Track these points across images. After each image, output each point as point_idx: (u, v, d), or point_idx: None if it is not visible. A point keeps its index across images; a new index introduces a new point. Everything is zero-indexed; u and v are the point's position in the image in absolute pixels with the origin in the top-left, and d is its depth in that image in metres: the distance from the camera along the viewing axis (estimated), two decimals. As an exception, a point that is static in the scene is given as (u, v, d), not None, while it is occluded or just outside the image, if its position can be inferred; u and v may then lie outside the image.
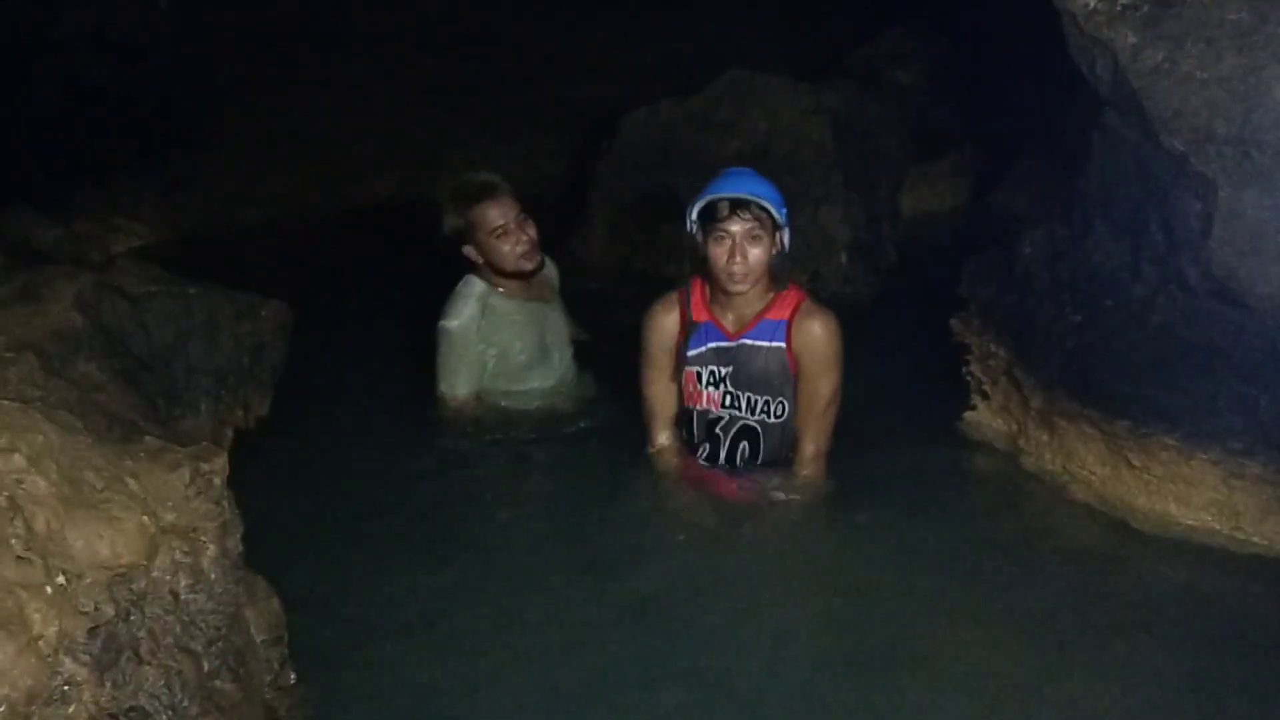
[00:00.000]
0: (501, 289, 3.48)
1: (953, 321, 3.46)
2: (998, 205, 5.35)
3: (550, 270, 3.67)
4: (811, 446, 3.01)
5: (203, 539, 1.91)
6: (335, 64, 6.79)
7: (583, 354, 3.72)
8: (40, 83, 5.57)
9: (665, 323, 3.07)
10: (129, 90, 5.85)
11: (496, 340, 3.48)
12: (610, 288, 4.62)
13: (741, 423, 3.03)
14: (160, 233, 5.71)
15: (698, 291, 3.06)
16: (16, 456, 1.71)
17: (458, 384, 3.46)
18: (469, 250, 3.44)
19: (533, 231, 3.43)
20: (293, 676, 2.19)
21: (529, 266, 3.46)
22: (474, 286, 3.47)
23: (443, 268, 3.52)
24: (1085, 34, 2.96)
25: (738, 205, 2.86)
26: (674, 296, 3.09)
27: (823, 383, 2.96)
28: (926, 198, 6.05)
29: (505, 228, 3.38)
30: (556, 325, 3.64)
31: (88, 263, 4.05)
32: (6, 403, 1.86)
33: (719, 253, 2.89)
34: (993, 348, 3.30)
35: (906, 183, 5.87)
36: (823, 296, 4.65)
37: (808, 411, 2.99)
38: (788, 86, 5.31)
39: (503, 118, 6.85)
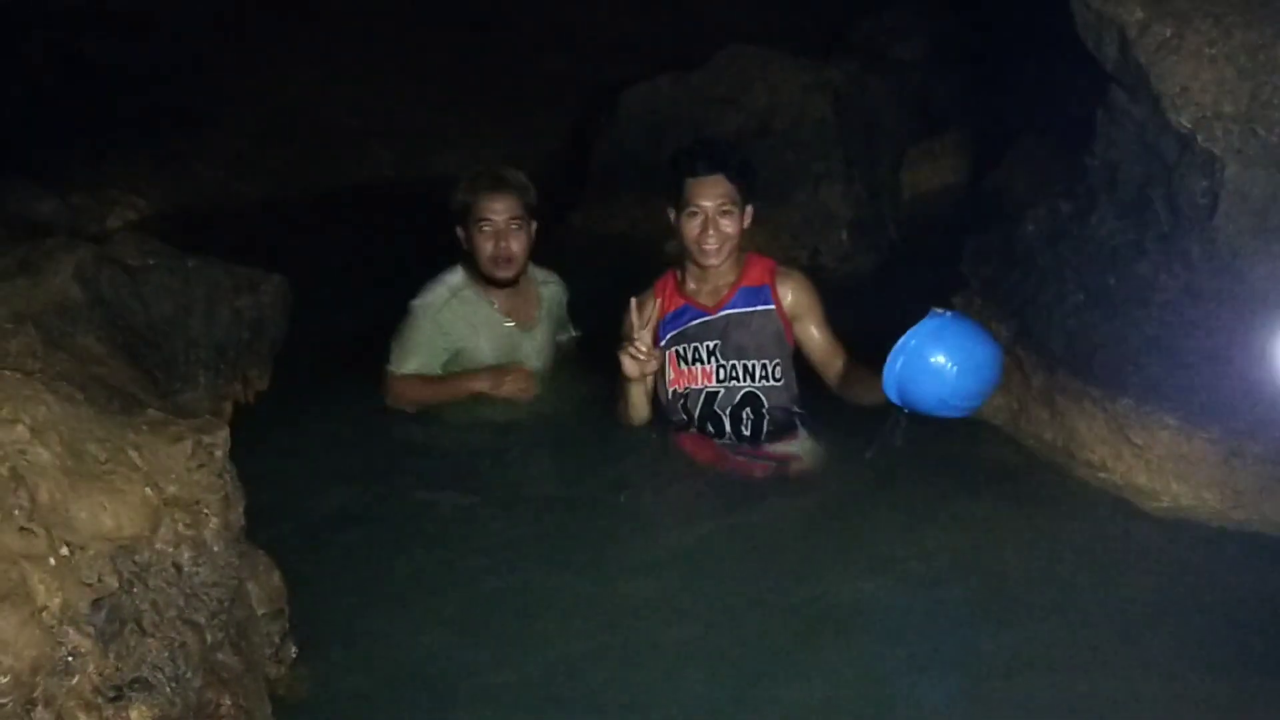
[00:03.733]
0: (479, 287, 3.43)
1: (954, 300, 3.44)
2: (1000, 183, 5.33)
3: (548, 295, 3.60)
4: (843, 362, 3.07)
5: (205, 511, 1.90)
6: (334, 39, 6.76)
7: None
8: (38, 55, 5.54)
9: (643, 312, 3.10)
10: (127, 63, 5.82)
11: (456, 333, 3.44)
12: (611, 263, 4.60)
13: (742, 391, 3.07)
14: (157, 206, 5.70)
15: (670, 281, 3.15)
16: (19, 427, 1.70)
17: (404, 360, 3.41)
18: (459, 232, 3.39)
19: (516, 245, 3.35)
20: (294, 650, 2.19)
21: (498, 274, 3.38)
22: (454, 275, 3.44)
23: (439, 244, 3.50)
24: (1092, 9, 2.95)
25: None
26: (649, 291, 3.15)
27: (824, 330, 3.08)
28: (928, 175, 6.03)
29: (493, 224, 3.32)
30: (529, 352, 3.53)
31: (85, 235, 4.03)
32: (8, 373, 1.85)
33: (691, 227, 2.97)
34: (994, 325, 3.28)
35: (908, 160, 5.85)
36: (823, 274, 4.70)
37: (827, 363, 3.08)
38: (789, 62, 5.29)
39: (503, 93, 6.82)
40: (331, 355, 3.75)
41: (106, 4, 5.84)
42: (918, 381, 2.61)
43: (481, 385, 3.43)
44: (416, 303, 3.41)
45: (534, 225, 3.42)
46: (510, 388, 3.42)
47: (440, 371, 3.46)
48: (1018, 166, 5.40)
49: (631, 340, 3.00)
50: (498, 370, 3.45)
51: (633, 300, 3.06)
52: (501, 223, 3.32)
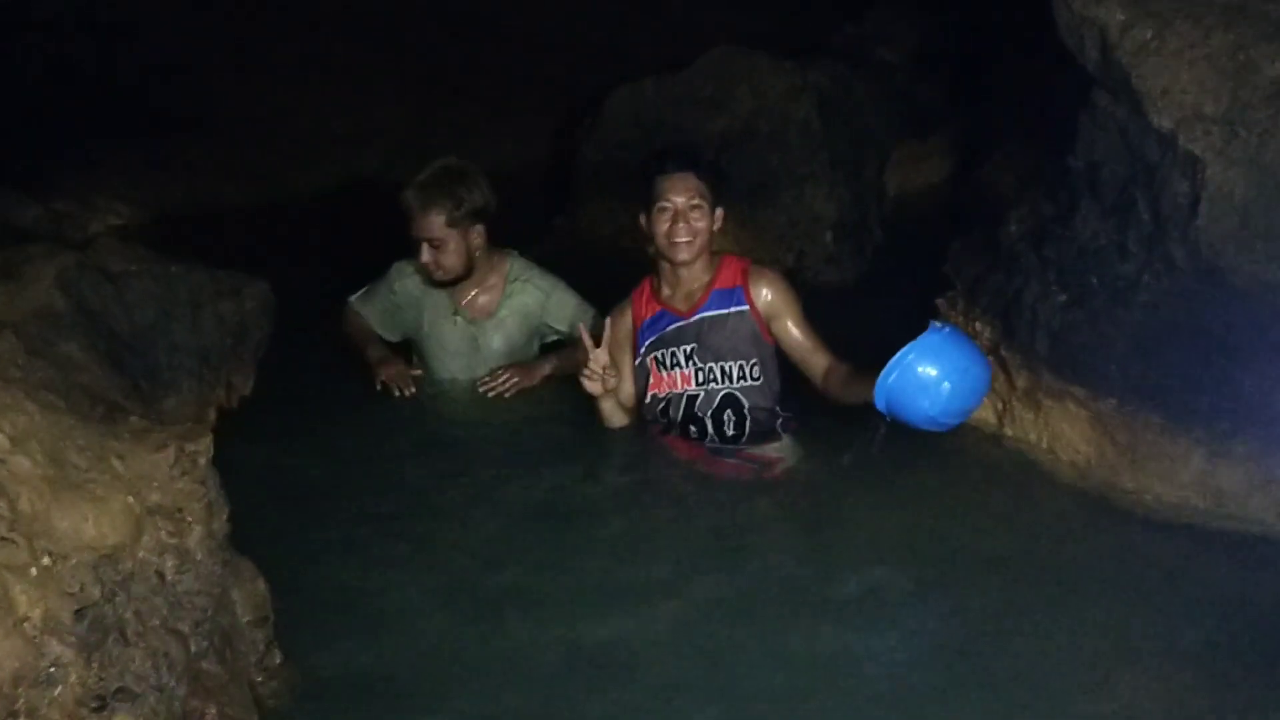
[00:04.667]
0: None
1: (938, 301, 3.45)
2: (984, 184, 5.34)
3: (520, 294, 3.62)
4: (826, 360, 3.06)
5: (188, 520, 1.90)
6: (318, 42, 6.73)
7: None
8: (23, 60, 5.50)
9: (620, 324, 3.17)
10: (111, 69, 5.79)
11: (406, 310, 3.67)
12: (595, 267, 4.59)
13: (721, 393, 3.09)
14: (141, 212, 5.65)
15: (646, 288, 3.19)
16: (0, 436, 1.69)
17: (363, 302, 3.75)
18: None
19: (444, 260, 3.47)
20: (279, 657, 2.18)
21: (431, 278, 3.54)
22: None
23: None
24: (1074, 11, 2.96)
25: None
26: (625, 301, 3.21)
27: (802, 327, 3.08)
28: (912, 176, 6.05)
29: (418, 241, 3.47)
30: (467, 344, 3.61)
31: (68, 241, 4.00)
32: (-12, 382, 1.84)
33: (662, 222, 3.02)
34: (978, 327, 3.30)
35: (892, 162, 5.86)
36: (807, 276, 4.71)
37: (807, 360, 3.07)
38: (774, 64, 5.28)
39: (487, 96, 6.80)
40: (316, 360, 3.74)
41: (92, 9, 5.81)
42: (910, 395, 2.63)
43: (368, 356, 3.66)
44: (397, 262, 3.68)
45: (475, 228, 3.48)
46: (382, 372, 3.59)
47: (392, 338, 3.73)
48: (1001, 168, 5.41)
49: (586, 363, 3.06)
50: (392, 358, 3.66)
51: (581, 325, 3.14)
52: (424, 243, 3.45)
